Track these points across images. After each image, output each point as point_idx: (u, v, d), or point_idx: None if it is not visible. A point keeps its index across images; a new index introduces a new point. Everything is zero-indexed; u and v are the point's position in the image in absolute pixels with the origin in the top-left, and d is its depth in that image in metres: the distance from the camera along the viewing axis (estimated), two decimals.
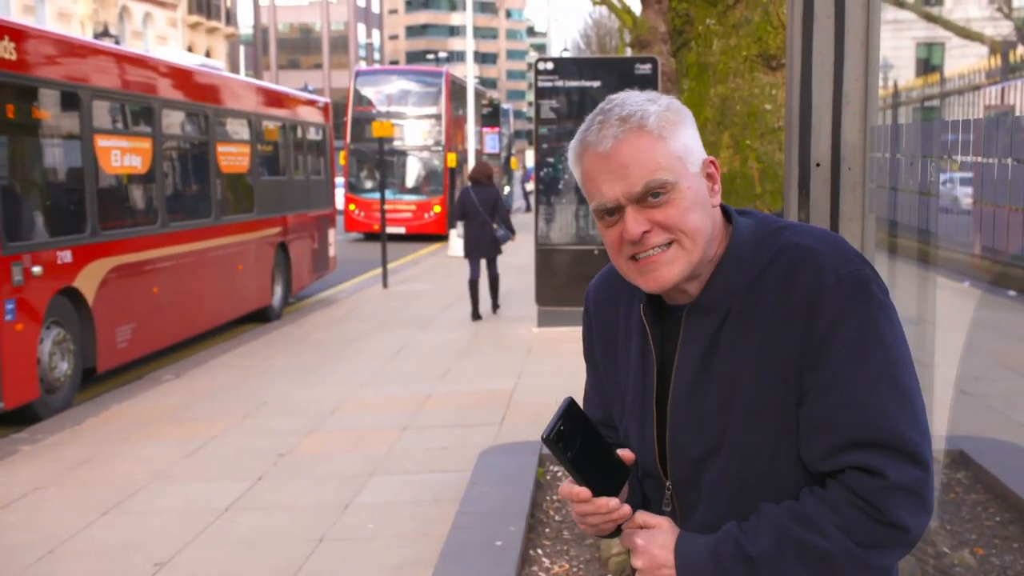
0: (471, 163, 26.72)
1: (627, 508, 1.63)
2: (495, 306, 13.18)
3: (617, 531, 1.68)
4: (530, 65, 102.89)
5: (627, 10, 13.39)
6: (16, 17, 25.41)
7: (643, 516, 1.64)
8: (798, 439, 1.56)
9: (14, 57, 7.88)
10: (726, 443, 1.59)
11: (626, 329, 1.74)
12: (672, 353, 1.66)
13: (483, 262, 12.80)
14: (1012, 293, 13.31)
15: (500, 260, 13.07)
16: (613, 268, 1.74)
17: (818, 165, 2.73)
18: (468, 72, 26.55)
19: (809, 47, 2.65)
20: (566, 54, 43.21)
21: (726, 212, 1.68)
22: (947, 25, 18.52)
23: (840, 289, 1.53)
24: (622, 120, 1.56)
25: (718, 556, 1.55)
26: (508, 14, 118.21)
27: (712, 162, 1.63)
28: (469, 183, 13.00)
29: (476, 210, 12.49)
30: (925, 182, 2.59)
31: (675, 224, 1.56)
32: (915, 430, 1.52)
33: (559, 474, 6.01)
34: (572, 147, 1.63)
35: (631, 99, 1.59)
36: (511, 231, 12.73)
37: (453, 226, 20.37)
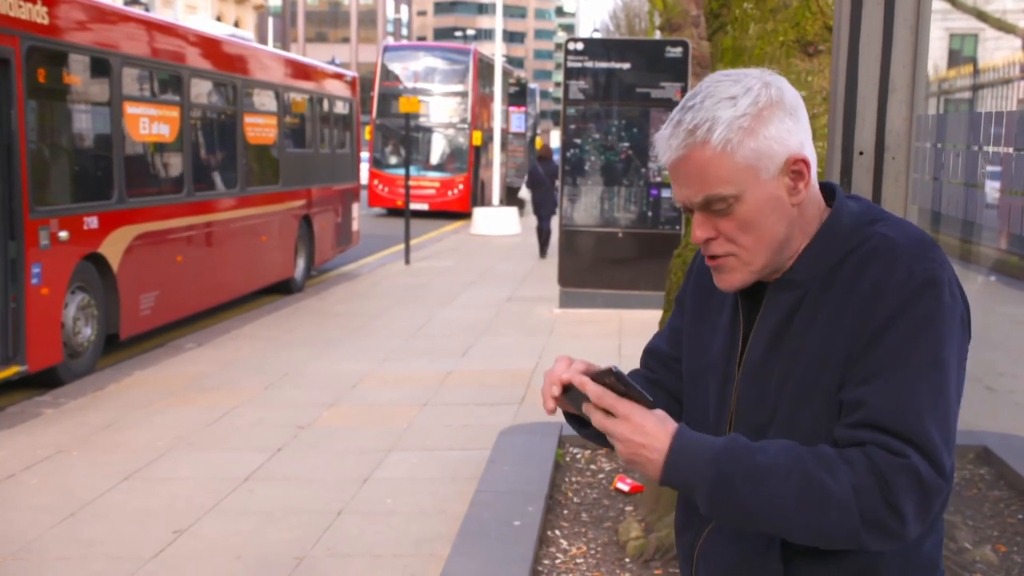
0: (496, 142, 26.70)
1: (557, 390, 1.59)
2: (543, 253, 17.51)
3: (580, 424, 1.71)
4: (558, 45, 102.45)
5: None
6: None
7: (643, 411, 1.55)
8: (833, 425, 1.56)
9: (46, 21, 7.89)
10: (777, 417, 1.61)
11: (723, 292, 1.77)
12: (753, 325, 1.68)
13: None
14: None
15: (526, 236, 17.02)
16: None
17: (861, 153, 2.68)
18: (496, 50, 26.46)
19: (857, 32, 2.60)
20: (597, 35, 42.94)
21: (832, 192, 1.67)
22: (982, 16, 18.27)
23: (908, 284, 1.52)
24: (688, 132, 1.54)
25: (718, 453, 1.51)
26: None
27: (802, 160, 1.57)
28: (537, 160, 18.24)
29: (542, 179, 17.43)
30: (975, 173, 2.55)
31: (734, 237, 1.59)
32: (941, 437, 1.49)
33: (578, 455, 6.01)
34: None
35: (710, 101, 1.55)
36: None
37: (521, 190, 24.99)
